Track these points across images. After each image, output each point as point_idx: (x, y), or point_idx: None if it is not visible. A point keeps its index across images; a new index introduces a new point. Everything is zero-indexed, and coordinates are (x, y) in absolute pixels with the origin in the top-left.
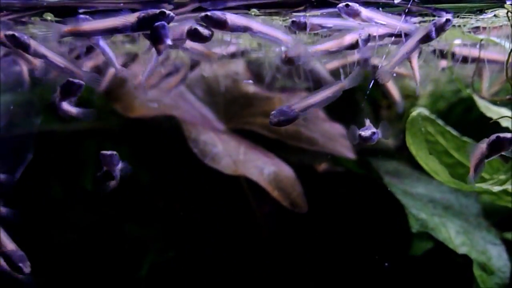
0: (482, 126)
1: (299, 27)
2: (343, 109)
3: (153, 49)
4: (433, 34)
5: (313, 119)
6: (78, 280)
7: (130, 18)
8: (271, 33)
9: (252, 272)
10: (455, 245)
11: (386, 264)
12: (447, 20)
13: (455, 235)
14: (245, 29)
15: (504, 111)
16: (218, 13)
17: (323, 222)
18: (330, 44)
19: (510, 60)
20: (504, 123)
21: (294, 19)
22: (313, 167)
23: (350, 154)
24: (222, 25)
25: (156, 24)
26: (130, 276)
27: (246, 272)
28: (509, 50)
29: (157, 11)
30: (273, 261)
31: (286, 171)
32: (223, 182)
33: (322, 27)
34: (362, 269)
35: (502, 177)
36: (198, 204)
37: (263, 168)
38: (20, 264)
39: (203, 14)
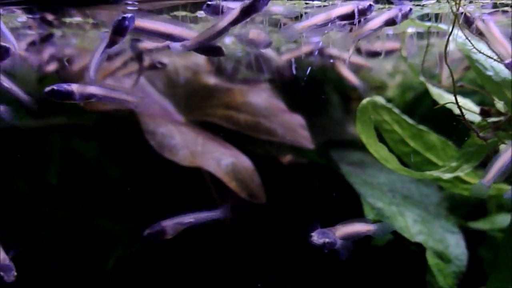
0: (450, 116)
1: (214, 11)
2: (310, 100)
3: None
4: (398, 19)
5: (273, 110)
6: (45, 274)
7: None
8: None
9: (215, 263)
10: (411, 233)
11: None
12: (410, 9)
13: (412, 223)
14: None
15: (458, 99)
16: None
17: (284, 213)
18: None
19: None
20: (457, 111)
21: (209, 2)
22: (273, 158)
23: (309, 144)
24: None
25: (125, 15)
26: (97, 269)
27: (209, 264)
28: (448, 36)
29: None
30: (237, 252)
31: (245, 162)
32: (186, 175)
33: None
34: (323, 259)
35: (454, 164)
36: (161, 197)
37: (220, 159)
38: (1, 273)
39: None
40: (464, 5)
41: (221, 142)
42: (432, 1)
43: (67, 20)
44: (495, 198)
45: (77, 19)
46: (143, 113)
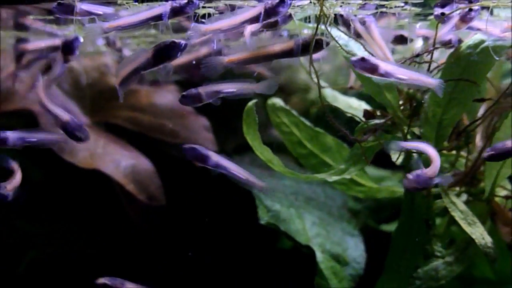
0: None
1: (66, 11)
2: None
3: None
4: (261, 17)
5: (178, 112)
6: None
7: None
8: None
9: (124, 266)
10: (307, 236)
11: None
12: (282, 1)
13: (310, 226)
14: None
15: (353, 101)
16: None
17: (192, 216)
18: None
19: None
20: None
21: (60, 1)
22: (180, 160)
23: (212, 146)
24: None
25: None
26: (9, 271)
27: (119, 266)
28: (313, 36)
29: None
30: (143, 252)
31: (145, 164)
32: (97, 177)
33: (89, 13)
34: (229, 261)
35: (342, 166)
36: (75, 198)
37: (120, 161)
38: None
39: None
40: (341, 5)
41: (123, 144)
42: (306, 2)
43: None
44: None
45: None
46: (43, 114)
